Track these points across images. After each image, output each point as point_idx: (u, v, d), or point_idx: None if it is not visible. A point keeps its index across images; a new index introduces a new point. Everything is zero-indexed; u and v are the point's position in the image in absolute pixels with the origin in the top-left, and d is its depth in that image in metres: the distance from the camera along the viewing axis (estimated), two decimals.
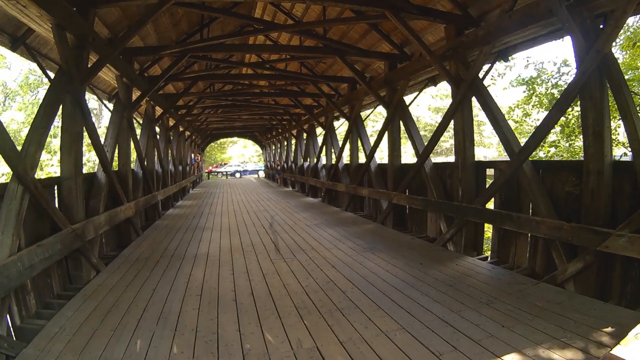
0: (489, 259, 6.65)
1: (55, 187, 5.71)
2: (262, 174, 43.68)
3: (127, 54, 8.87)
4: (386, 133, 9.71)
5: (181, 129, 18.43)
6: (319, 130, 18.19)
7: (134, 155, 10.07)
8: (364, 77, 10.29)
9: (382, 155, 21.72)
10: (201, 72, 12.47)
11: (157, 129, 13.28)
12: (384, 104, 9.71)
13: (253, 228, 9.39)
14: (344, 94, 13.60)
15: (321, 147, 15.80)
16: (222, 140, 55.79)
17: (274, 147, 32.14)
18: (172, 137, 16.93)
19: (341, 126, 16.32)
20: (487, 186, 6.89)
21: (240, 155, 63.87)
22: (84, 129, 6.15)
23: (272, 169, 32.29)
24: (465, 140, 6.95)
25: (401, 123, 9.23)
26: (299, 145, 20.89)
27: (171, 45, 9.70)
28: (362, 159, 12.23)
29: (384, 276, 5.36)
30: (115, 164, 8.47)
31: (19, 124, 28.73)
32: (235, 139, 56.45)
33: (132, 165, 9.56)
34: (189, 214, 12.65)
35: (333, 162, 14.70)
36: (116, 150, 8.42)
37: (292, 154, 23.23)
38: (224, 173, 46.59)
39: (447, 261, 6.14)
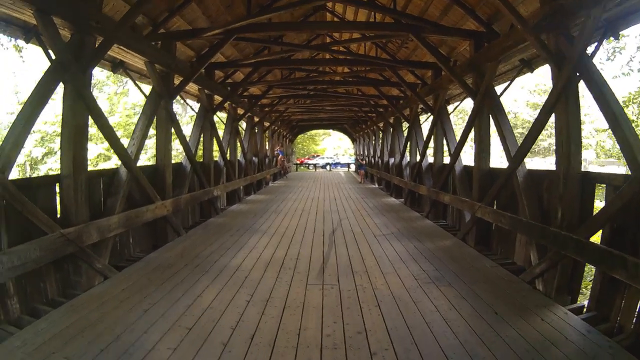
0: (584, 309, 5.12)
1: (57, 186, 5.43)
2: (353, 167, 42.93)
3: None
4: (473, 128, 8.30)
5: (256, 119, 18.22)
6: (406, 125, 16.92)
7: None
8: (448, 60, 8.90)
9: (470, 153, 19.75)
10: (264, 58, 11.97)
11: (218, 120, 13.15)
12: (470, 92, 8.30)
13: (311, 235, 8.58)
14: (429, 83, 12.26)
15: (405, 143, 14.51)
16: (314, 131, 56.32)
17: (363, 141, 31.17)
18: (245, 129, 16.89)
19: (428, 119, 14.90)
20: (594, 207, 5.35)
21: (336, 147, 64.23)
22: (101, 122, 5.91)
23: (358, 162, 31.42)
24: (570, 143, 5.36)
25: (490, 117, 7.79)
26: (385, 139, 19.69)
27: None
28: (447, 157, 10.84)
29: (438, 330, 4.08)
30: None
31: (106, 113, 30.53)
32: (330, 131, 56.80)
33: (178, 159, 9.34)
34: (252, 210, 12.29)
35: (418, 159, 13.41)
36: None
37: (379, 149, 22.10)
38: (314, 165, 46.64)
39: (531, 312, 4.69)
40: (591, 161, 43.66)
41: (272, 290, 5.23)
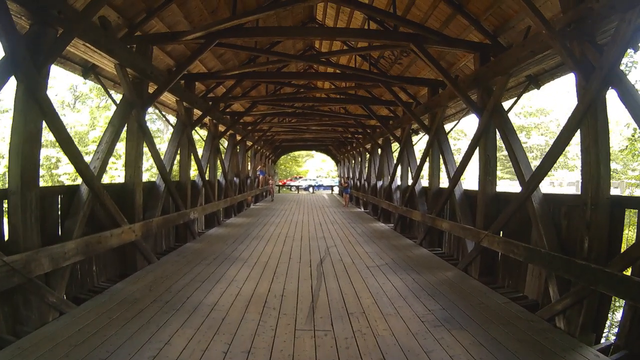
0: (612, 349, 4.50)
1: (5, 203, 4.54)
2: (336, 189, 42.20)
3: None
4: (477, 148, 7.63)
5: (238, 137, 17.40)
6: (396, 146, 16.29)
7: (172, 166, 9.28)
8: (449, 75, 8.26)
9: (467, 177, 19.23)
10: (249, 69, 11.25)
11: (198, 138, 12.34)
12: (476, 109, 7.62)
13: (296, 265, 7.67)
14: (423, 102, 11.65)
15: (396, 165, 13.79)
16: (297, 153, 55.81)
17: (347, 163, 30.53)
18: (227, 147, 16.16)
19: (420, 141, 14.31)
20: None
21: (318, 169, 63.99)
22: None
23: (341, 185, 30.75)
24: (599, 164, 4.72)
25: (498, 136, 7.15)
26: (373, 161, 19.01)
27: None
28: (444, 181, 10.16)
29: None
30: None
31: (86, 127, 29.89)
32: (313, 152, 56.51)
33: (151, 178, 8.42)
34: (232, 235, 11.30)
35: (410, 183, 12.70)
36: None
37: (366, 171, 21.42)
38: (297, 187, 45.82)
39: (559, 357, 4.00)
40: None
41: (254, 337, 4.32)
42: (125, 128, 7.34)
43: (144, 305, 5.26)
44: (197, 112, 11.25)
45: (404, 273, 7.20)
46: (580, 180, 5.09)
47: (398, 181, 13.95)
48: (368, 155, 20.45)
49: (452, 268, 7.79)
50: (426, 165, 10.87)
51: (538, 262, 5.62)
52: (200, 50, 7.97)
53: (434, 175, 10.24)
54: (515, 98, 8.30)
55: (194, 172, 12.12)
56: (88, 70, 7.77)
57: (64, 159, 28.99)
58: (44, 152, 28.72)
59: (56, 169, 30.32)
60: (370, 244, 10.22)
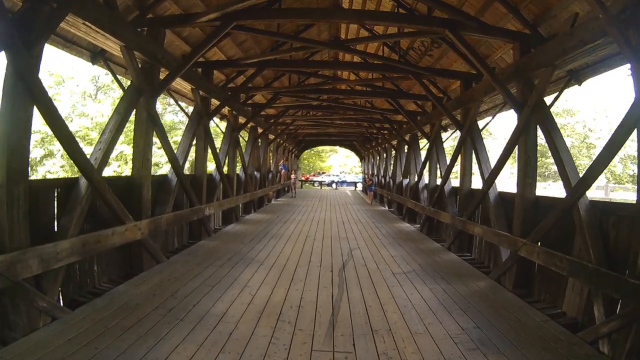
0: None
1: None
2: (360, 186, 41.59)
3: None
4: (517, 147, 7.00)
5: (260, 130, 17.01)
6: (423, 143, 15.64)
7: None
8: (487, 66, 7.61)
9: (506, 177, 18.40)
10: (271, 56, 10.71)
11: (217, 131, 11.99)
12: (515, 104, 6.98)
13: (316, 270, 7.20)
14: (454, 96, 11.00)
15: (424, 163, 13.17)
16: (321, 147, 55.51)
17: (372, 159, 29.89)
18: (247, 140, 15.79)
19: (449, 138, 13.64)
20: None
21: (342, 164, 63.72)
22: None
23: (366, 182, 30.18)
24: None
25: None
26: (399, 158, 18.38)
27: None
28: (475, 181, 9.55)
29: None
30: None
31: (107, 118, 30.52)
32: (336, 147, 56.17)
33: (163, 171, 8.06)
34: (249, 233, 10.92)
35: (438, 182, 12.09)
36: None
37: (391, 169, 20.79)
38: (320, 183, 45.37)
39: None
40: (600, 186, 42.90)
41: (265, 358, 3.86)
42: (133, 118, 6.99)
43: (144, 313, 4.87)
44: (215, 103, 10.82)
45: (432, 282, 6.65)
46: (637, 187, 4.51)
47: (425, 180, 13.34)
48: (394, 152, 19.81)
49: (484, 277, 7.21)
50: (456, 164, 10.28)
51: (584, 278, 5.01)
52: (216, 33, 7.45)
53: (465, 175, 9.61)
54: (556, 94, 7.62)
55: (212, 166, 11.74)
56: (97, 56, 7.39)
57: (85, 149, 29.21)
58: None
59: (108, 166, 30.81)
60: (396, 246, 9.69)
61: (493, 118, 10.00)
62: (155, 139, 7.53)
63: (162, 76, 7.65)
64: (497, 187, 8.07)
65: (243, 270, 6.94)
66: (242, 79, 12.62)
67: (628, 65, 4.76)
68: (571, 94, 51.22)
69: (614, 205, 5.53)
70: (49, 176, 29.16)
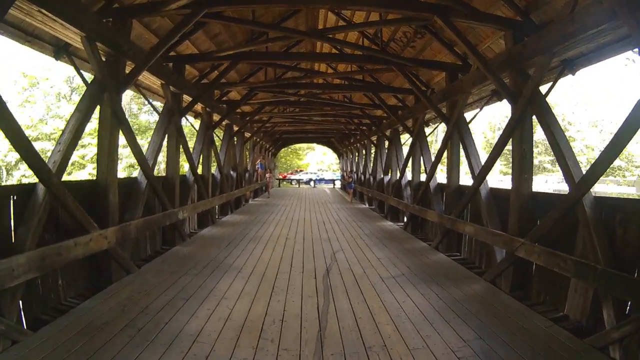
0: None
1: None
2: (338, 184, 41.19)
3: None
4: (511, 140, 6.60)
5: (235, 128, 16.36)
6: (405, 138, 15.25)
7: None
8: (478, 53, 7.15)
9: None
10: (246, 48, 10.08)
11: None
12: (508, 95, 6.57)
13: (299, 276, 6.64)
14: (439, 89, 10.60)
15: (407, 159, 12.74)
16: (298, 145, 55.07)
17: (351, 156, 29.47)
18: (223, 139, 15.17)
19: (432, 134, 13.26)
20: None
21: (319, 162, 63.78)
22: None
23: (345, 180, 29.78)
24: None
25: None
26: (379, 154, 17.96)
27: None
28: (463, 177, 9.19)
29: None
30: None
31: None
32: (313, 145, 55.96)
33: (129, 172, 7.40)
34: (226, 236, 10.28)
35: (422, 178, 11.69)
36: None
37: (371, 165, 20.38)
38: (297, 181, 44.81)
39: None
40: None
41: None
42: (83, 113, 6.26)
43: (112, 333, 4.28)
44: (187, 100, 10.18)
45: (424, 286, 6.19)
46: None
47: (409, 176, 12.93)
48: (374, 148, 19.38)
49: (478, 279, 6.80)
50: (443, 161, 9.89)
51: (592, 280, 4.62)
52: (185, 22, 6.81)
53: (452, 170, 9.18)
54: (550, 84, 7.22)
55: (187, 167, 11.08)
56: (60, 50, 6.66)
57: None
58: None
59: (83, 169, 30.00)
60: (381, 247, 9.21)
61: (480, 110, 9.59)
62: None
63: (129, 70, 6.99)
64: (488, 183, 7.68)
65: (219, 280, 6.33)
66: (216, 74, 11.89)
67: (623, 55, 4.41)
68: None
69: (621, 202, 5.15)
70: (24, 181, 27.95)
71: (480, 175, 7.56)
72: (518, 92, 6.42)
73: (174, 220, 8.86)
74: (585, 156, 46.87)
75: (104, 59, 6.38)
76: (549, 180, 42.67)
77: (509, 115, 6.82)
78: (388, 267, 7.38)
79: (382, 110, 15.57)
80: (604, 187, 32.92)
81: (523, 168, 6.33)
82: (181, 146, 9.65)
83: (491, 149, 7.88)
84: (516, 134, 6.47)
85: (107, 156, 6.37)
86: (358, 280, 6.42)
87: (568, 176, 5.38)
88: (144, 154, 8.07)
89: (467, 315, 5.06)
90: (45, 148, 27.66)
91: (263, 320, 4.73)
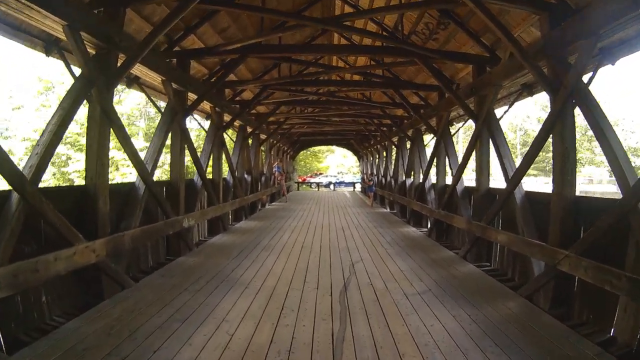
0: None
1: None
2: (358, 187, 40.48)
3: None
4: (552, 138, 5.87)
5: (249, 129, 15.85)
6: (428, 139, 14.53)
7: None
8: (513, 38, 6.36)
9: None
10: (256, 40, 9.40)
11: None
12: (547, 86, 5.85)
13: (313, 293, 6.00)
14: (464, 84, 9.89)
15: (431, 160, 12.02)
16: (317, 148, 54.76)
17: (371, 158, 28.76)
18: (236, 140, 14.71)
19: (457, 132, 12.54)
20: None
21: (339, 164, 63.60)
22: None
23: (365, 183, 29.08)
24: None
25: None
26: (401, 156, 17.24)
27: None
28: (493, 180, 8.47)
29: None
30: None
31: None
32: (333, 147, 55.67)
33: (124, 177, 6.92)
34: (237, 245, 9.72)
35: (447, 181, 10.98)
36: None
37: (392, 167, 19.66)
38: (317, 184, 44.26)
39: None
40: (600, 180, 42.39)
41: None
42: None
43: None
44: (194, 98, 9.61)
45: (455, 305, 5.49)
46: None
47: (433, 179, 12.21)
48: (395, 150, 18.66)
49: (513, 295, 6.07)
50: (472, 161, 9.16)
51: None
52: (181, 7, 6.18)
53: (482, 172, 8.43)
54: (591, 74, 6.41)
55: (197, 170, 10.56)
56: (51, 45, 6.29)
57: (75, 155, 28.42)
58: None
59: (66, 166, 29.81)
60: (404, 256, 8.52)
61: (510, 107, 8.82)
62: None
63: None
64: (523, 186, 6.96)
65: (223, 297, 5.74)
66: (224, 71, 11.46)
67: None
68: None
69: None
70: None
71: (515, 177, 6.83)
72: (558, 83, 5.70)
73: (178, 229, 8.32)
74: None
75: (93, 51, 5.91)
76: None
77: (530, 115, 6.13)
78: (413, 280, 6.69)
79: (403, 109, 14.97)
80: None
81: (566, 169, 5.58)
82: (186, 148, 9.12)
83: (515, 151, 7.18)
84: (557, 129, 5.74)
85: (96, 159, 5.81)
86: (379, 298, 5.74)
87: (621, 178, 4.67)
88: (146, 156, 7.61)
89: (506, 342, 4.36)
90: (59, 152, 27.69)
91: (267, 350, 4.09)
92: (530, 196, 6.85)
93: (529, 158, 6.63)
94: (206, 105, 11.22)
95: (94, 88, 5.69)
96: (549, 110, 6.15)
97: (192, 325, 4.72)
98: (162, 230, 7.73)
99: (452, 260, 8.34)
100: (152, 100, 10.07)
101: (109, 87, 6.09)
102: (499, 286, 6.54)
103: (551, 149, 5.90)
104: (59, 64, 6.61)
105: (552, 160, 5.92)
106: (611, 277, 4.37)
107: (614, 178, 5.22)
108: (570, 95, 5.43)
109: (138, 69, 7.47)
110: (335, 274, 7.05)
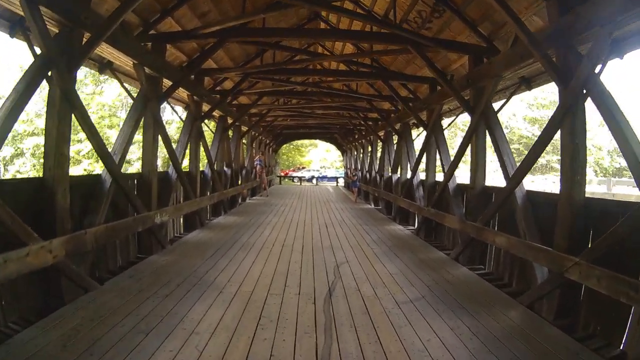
0: None
1: None
2: (342, 181, 40.01)
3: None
4: (561, 132, 5.38)
5: (230, 120, 15.13)
6: (417, 133, 14.08)
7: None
8: (521, 24, 5.81)
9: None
10: (232, 24, 8.63)
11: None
12: (557, 77, 5.35)
13: (294, 300, 5.42)
14: (459, 76, 9.41)
15: (420, 155, 11.53)
16: (300, 142, 54.33)
17: (355, 153, 28.26)
18: (215, 132, 14.06)
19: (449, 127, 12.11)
20: None
21: (322, 159, 63.36)
22: None
23: (349, 177, 28.64)
24: None
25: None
26: (387, 151, 16.74)
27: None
28: (489, 177, 8.02)
29: None
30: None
31: None
32: (317, 141, 55.36)
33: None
34: (213, 243, 9.05)
35: (438, 178, 10.52)
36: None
37: (377, 162, 19.18)
38: (299, 178, 43.68)
39: None
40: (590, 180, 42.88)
41: None
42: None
43: None
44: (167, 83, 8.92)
45: (451, 315, 4.98)
46: None
47: (421, 175, 11.72)
48: (380, 144, 18.14)
49: (513, 303, 5.60)
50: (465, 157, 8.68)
51: None
52: None
53: (478, 169, 7.92)
54: (600, 66, 5.88)
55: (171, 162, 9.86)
56: (15, 26, 5.61)
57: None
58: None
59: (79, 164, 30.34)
60: (392, 257, 8.02)
61: (507, 101, 8.36)
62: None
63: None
64: (524, 186, 6.49)
65: (194, 304, 5.12)
66: (208, 62, 10.81)
67: None
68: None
69: None
70: (18, 177, 27.33)
71: (516, 175, 6.35)
72: (569, 74, 5.19)
73: (150, 225, 7.64)
74: (593, 156, 46.02)
75: (56, 30, 5.32)
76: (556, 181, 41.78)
77: (517, 113, 5.68)
78: (404, 286, 6.15)
79: (390, 102, 14.50)
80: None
81: (575, 168, 5.09)
82: (160, 138, 8.44)
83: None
84: (565, 125, 5.26)
85: (55, 148, 5.12)
86: (368, 307, 5.19)
87: (638, 178, 4.23)
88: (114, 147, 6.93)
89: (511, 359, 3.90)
90: (40, 143, 26.83)
91: None
92: (532, 196, 6.39)
93: (533, 155, 6.15)
94: (183, 93, 10.52)
95: (53, 69, 5.07)
96: (536, 108, 5.73)
97: (157, 338, 4.11)
98: (131, 227, 7.03)
99: (444, 262, 7.86)
100: (125, 88, 9.37)
101: (71, 68, 5.42)
102: (496, 292, 6.07)
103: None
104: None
105: (559, 158, 5.47)
106: (628, 288, 3.91)
107: (601, 178, 4.77)
108: (583, 88, 4.96)
109: (109, 52, 6.99)
110: (319, 278, 6.49)
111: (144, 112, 7.81)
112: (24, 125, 30.62)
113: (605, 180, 37.18)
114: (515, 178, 6.36)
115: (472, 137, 7.93)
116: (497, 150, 7.09)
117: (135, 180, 8.09)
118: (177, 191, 10.07)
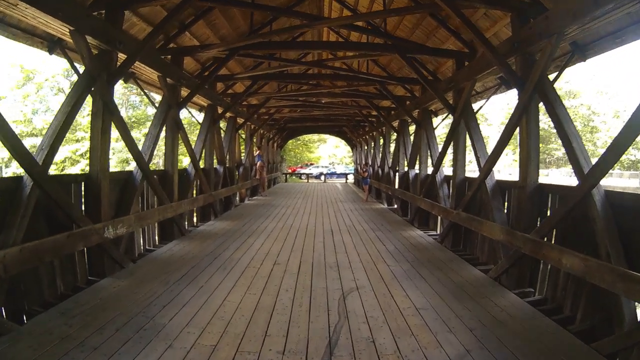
0: None
1: None
2: (351, 178, 38.24)
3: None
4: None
5: (220, 110, 13.33)
6: (437, 121, 12.40)
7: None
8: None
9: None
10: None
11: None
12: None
13: (294, 345, 3.77)
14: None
15: (445, 145, 9.71)
16: (308, 137, 53.22)
17: (366, 147, 26.44)
18: (203, 122, 12.83)
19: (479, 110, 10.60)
20: None
21: (331, 155, 63.37)
22: None
23: (359, 174, 26.93)
24: None
25: None
26: (402, 143, 14.92)
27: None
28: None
29: None
30: None
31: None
32: (326, 137, 54.52)
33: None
34: (187, 260, 7.29)
35: (469, 174, 8.82)
36: None
37: (390, 157, 17.40)
38: (307, 175, 42.03)
39: None
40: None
41: None
42: None
43: None
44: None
45: None
46: None
47: (446, 170, 9.92)
48: (395, 136, 16.26)
49: (594, 355, 3.86)
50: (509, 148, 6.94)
51: None
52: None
53: (529, 164, 6.05)
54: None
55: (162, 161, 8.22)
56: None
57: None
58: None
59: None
60: (417, 280, 6.22)
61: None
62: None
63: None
64: (601, 186, 4.73)
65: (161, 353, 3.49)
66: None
67: None
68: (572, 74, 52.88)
69: None
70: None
71: (593, 172, 4.58)
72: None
73: (98, 241, 5.99)
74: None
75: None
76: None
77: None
78: (438, 332, 4.35)
79: (404, 88, 13.19)
80: None
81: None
82: (115, 127, 6.77)
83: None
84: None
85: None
86: None
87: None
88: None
89: None
90: (36, 144, 26.22)
91: None
92: (614, 198, 4.62)
93: (620, 147, 4.41)
94: (153, 75, 8.81)
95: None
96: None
97: None
98: (64, 245, 5.26)
99: (483, 285, 6.05)
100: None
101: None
102: (568, 337, 4.27)
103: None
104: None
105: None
106: None
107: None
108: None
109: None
110: (316, 319, 4.70)
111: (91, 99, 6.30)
112: (21, 126, 31.20)
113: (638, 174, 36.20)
114: (592, 175, 4.59)
115: (522, 120, 6.09)
116: (564, 136, 5.28)
117: (84, 184, 6.48)
118: (144, 195, 8.50)
